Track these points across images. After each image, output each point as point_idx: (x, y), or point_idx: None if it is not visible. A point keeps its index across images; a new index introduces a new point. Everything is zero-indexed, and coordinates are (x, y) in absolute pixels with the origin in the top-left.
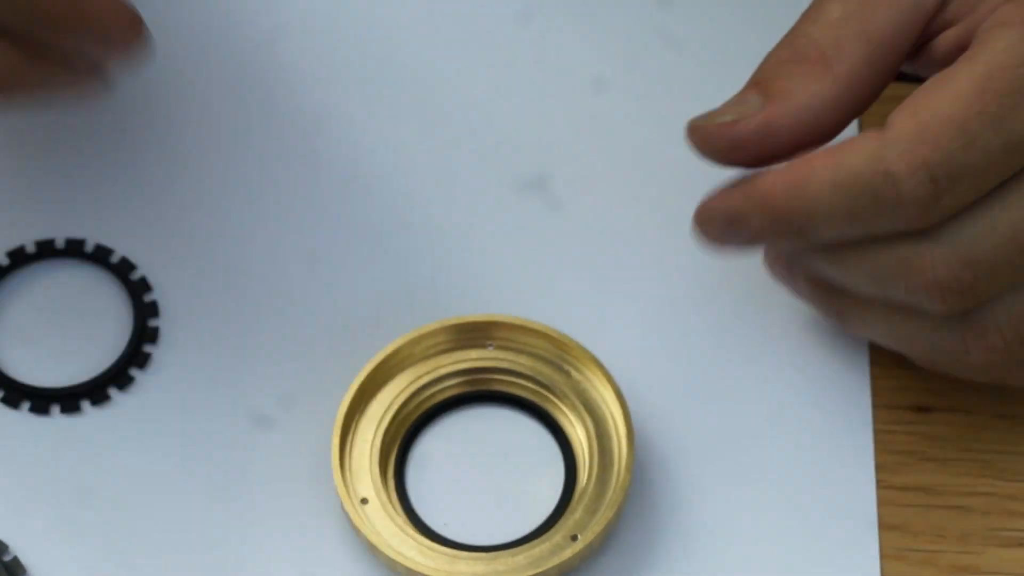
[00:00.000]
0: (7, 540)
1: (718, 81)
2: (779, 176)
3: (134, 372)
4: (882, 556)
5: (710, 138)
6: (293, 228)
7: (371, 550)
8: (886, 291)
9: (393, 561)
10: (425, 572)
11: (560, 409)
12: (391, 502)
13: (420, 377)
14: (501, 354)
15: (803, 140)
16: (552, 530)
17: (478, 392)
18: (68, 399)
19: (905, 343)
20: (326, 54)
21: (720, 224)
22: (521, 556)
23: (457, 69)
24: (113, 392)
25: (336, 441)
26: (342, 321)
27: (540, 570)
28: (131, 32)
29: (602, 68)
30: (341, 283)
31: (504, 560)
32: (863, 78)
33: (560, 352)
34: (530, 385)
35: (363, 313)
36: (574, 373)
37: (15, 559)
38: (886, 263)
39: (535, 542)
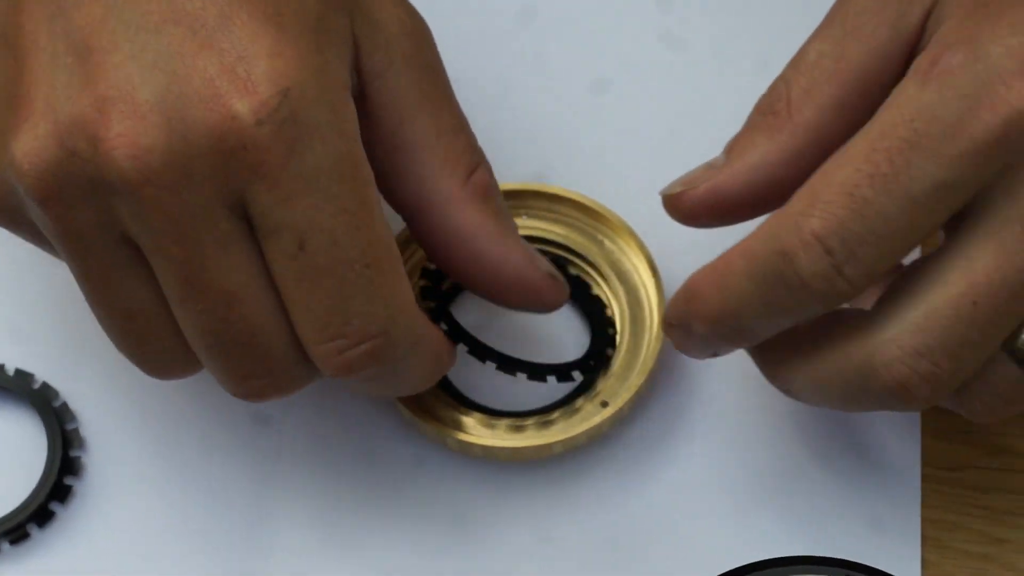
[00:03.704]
0: None
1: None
2: (703, 276)
3: None
4: (924, 432)
5: (672, 208)
6: None
7: (398, 409)
8: (861, 405)
9: (423, 425)
10: (458, 436)
11: (592, 278)
12: None
13: None
14: (535, 223)
15: (759, 199)
16: (582, 397)
17: None
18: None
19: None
20: None
21: (676, 335)
22: (552, 422)
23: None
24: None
25: None
26: None
27: (569, 435)
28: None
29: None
30: None
31: (535, 425)
32: (830, 124)
33: (594, 222)
34: (563, 254)
35: None
36: (607, 243)
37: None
38: (846, 372)
39: (565, 408)
